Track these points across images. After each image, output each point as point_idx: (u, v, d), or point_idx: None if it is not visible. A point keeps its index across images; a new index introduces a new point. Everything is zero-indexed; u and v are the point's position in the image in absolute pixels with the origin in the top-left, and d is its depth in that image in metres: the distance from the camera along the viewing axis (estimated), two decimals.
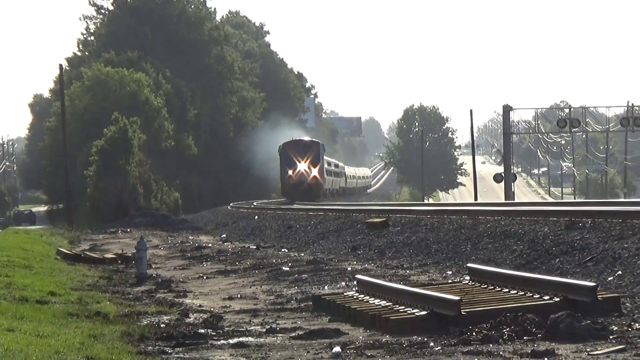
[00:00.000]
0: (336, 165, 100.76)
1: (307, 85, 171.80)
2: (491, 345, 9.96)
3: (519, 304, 13.29)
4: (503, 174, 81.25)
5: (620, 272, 16.73)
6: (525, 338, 10.55)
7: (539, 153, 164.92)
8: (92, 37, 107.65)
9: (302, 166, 78.57)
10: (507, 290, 14.93)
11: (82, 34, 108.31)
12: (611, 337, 10.35)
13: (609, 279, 16.50)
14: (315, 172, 79.71)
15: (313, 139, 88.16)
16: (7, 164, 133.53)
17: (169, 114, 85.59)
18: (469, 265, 17.62)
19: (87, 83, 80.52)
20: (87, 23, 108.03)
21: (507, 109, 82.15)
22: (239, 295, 19.25)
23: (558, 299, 13.07)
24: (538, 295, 13.81)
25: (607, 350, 9.11)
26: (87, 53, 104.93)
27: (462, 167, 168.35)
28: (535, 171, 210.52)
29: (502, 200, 70.29)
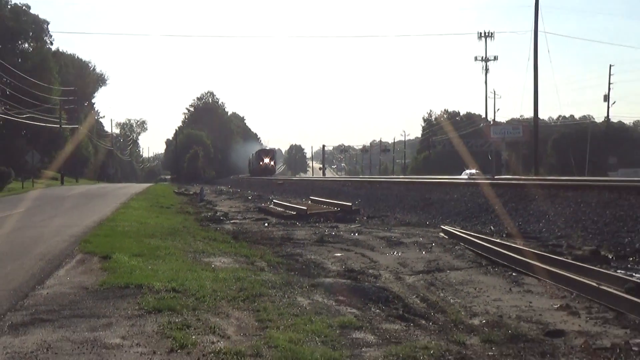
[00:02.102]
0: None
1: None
2: (317, 224, 25.44)
3: (327, 210, 29.72)
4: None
5: (360, 200, 36.33)
6: (328, 222, 26.11)
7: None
8: None
9: (267, 160, 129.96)
10: (324, 205, 33.01)
11: None
12: (356, 221, 26.31)
13: (356, 201, 36.89)
14: (272, 163, 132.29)
15: (272, 148, 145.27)
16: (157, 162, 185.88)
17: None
18: (311, 197, 39.54)
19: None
20: None
21: (323, 146, 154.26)
22: (233, 207, 39.99)
23: (339, 208, 30.05)
24: (333, 208, 30.95)
25: (354, 225, 24.49)
26: None
27: None
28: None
29: None
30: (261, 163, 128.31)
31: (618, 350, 7.37)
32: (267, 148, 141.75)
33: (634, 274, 12.80)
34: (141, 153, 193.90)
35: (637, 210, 19.36)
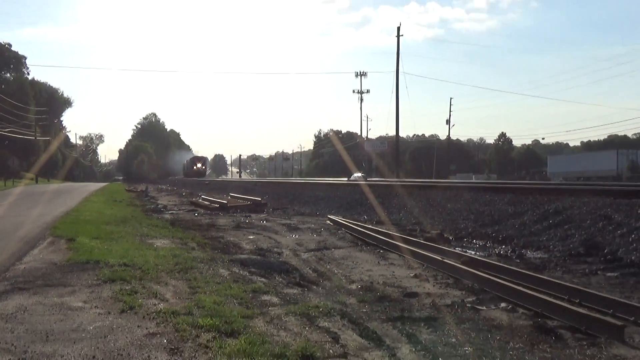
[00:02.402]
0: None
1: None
2: (235, 214, 25.39)
3: (243, 204, 29.38)
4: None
5: (267, 196, 36.06)
6: (243, 212, 26.04)
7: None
8: None
9: (199, 165, 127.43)
10: (240, 200, 32.06)
11: None
12: (264, 212, 26.48)
13: (265, 197, 36.36)
14: (203, 167, 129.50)
15: (203, 156, 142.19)
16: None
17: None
18: (230, 194, 38.57)
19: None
20: None
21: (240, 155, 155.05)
22: (171, 201, 38.90)
23: (251, 202, 29.55)
24: (247, 202, 30.39)
25: (263, 215, 24.76)
26: None
27: None
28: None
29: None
30: (194, 167, 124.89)
31: (456, 306, 7.71)
32: (199, 156, 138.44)
33: (467, 251, 13.30)
34: (99, 159, 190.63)
35: (470, 203, 20.24)
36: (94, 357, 5.13)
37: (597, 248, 12.57)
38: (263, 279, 9.38)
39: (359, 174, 62.35)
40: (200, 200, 35.54)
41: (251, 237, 16.38)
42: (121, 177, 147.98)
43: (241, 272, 9.95)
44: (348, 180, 35.55)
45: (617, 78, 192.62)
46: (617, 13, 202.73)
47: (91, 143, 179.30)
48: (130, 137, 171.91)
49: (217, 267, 10.14)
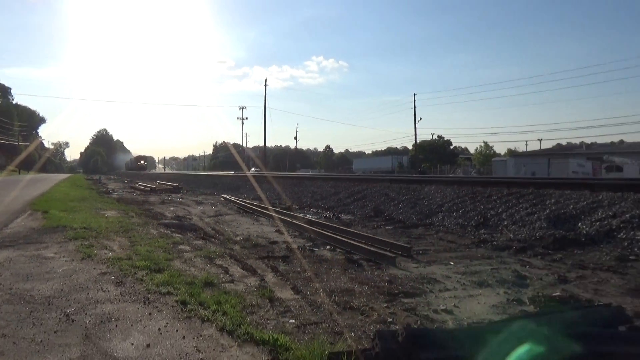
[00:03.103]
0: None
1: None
2: (161, 194, 23.92)
3: (167, 187, 27.40)
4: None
5: (182, 183, 33.58)
6: (167, 193, 24.63)
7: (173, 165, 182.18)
8: None
9: (142, 162, 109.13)
10: (165, 185, 29.63)
11: None
12: (181, 192, 25.52)
13: (181, 183, 33.78)
14: (145, 163, 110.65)
15: (145, 155, 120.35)
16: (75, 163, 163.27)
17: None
18: (158, 181, 34.41)
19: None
20: None
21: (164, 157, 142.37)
22: (117, 186, 34.77)
23: (172, 187, 27.58)
24: (170, 186, 28.38)
25: (180, 195, 24.25)
26: None
27: None
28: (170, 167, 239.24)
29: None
30: (139, 163, 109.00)
31: (301, 249, 7.76)
32: (142, 155, 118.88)
33: (307, 215, 13.50)
34: (66, 159, 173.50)
35: (308, 186, 20.55)
36: (62, 289, 4.71)
37: (381, 212, 13.12)
38: (180, 235, 9.00)
39: (255, 169, 61.05)
40: (138, 185, 33.23)
41: (172, 209, 15.67)
42: (81, 170, 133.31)
43: (165, 231, 9.50)
44: (246, 173, 34.82)
45: (394, 114, 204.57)
46: (395, 77, 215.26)
47: (60, 147, 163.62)
48: (88, 144, 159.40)
49: (149, 229, 9.61)
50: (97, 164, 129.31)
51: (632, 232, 7.59)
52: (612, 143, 71.04)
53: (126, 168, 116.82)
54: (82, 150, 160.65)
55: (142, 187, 30.70)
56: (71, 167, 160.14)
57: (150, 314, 4.02)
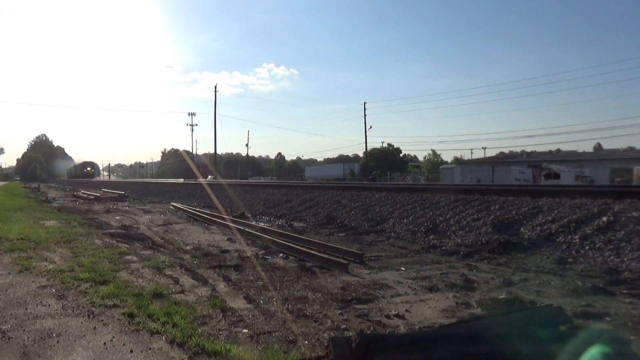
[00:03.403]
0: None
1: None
2: (106, 203, 22.89)
3: (112, 196, 26.35)
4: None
5: (129, 190, 32.50)
6: (112, 202, 23.81)
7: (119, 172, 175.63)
8: None
9: (89, 168, 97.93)
10: (110, 193, 28.52)
11: None
12: (127, 201, 24.71)
13: (127, 191, 32.51)
14: (92, 170, 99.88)
15: (92, 161, 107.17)
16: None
17: None
18: (103, 189, 32.47)
19: None
20: None
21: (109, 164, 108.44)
22: (58, 195, 33.49)
23: (117, 195, 26.75)
24: (115, 194, 27.39)
25: (126, 203, 23.48)
26: None
27: None
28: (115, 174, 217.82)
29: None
30: (85, 170, 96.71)
31: (253, 257, 7.66)
32: (88, 161, 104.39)
33: (260, 223, 13.36)
34: (0, 166, 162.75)
35: (260, 194, 20.39)
36: None
37: (333, 219, 13.17)
38: (126, 245, 8.67)
39: (211, 176, 59.32)
40: (81, 193, 31.73)
41: (117, 217, 15.09)
42: (18, 178, 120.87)
43: (110, 241, 9.13)
44: (199, 180, 33.58)
45: (344, 122, 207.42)
46: (345, 85, 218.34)
47: None
48: (25, 150, 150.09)
49: (93, 239, 9.21)
50: (36, 171, 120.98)
51: (569, 236, 8.03)
52: (550, 151, 75.03)
53: (68, 175, 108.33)
54: (19, 157, 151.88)
55: (85, 195, 29.35)
56: (6, 175, 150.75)
57: (94, 328, 3.84)
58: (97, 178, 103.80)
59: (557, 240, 8.05)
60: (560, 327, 3.34)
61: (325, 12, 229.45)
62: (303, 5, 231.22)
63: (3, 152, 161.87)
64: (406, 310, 4.69)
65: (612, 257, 6.95)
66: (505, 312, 3.87)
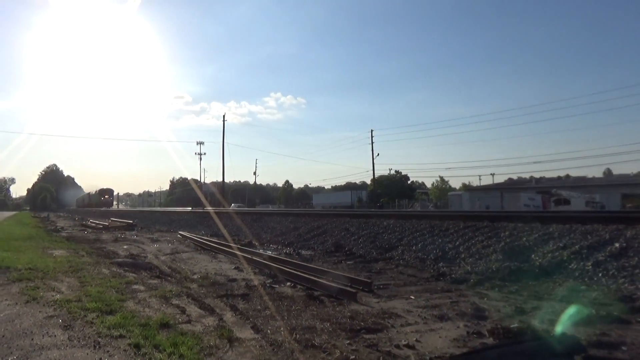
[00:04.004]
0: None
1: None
2: (114, 232, 23.04)
3: (120, 225, 26.40)
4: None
5: (137, 220, 32.88)
6: (121, 231, 24.06)
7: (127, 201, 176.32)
8: None
9: (107, 196, 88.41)
10: (118, 222, 28.66)
11: None
12: (135, 230, 25.00)
13: (135, 220, 32.69)
14: (110, 198, 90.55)
15: (109, 188, 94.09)
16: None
17: None
18: (111, 218, 33.06)
19: None
20: None
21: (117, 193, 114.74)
22: (67, 224, 33.67)
23: (126, 224, 26.77)
24: (123, 223, 27.62)
25: (134, 232, 23.60)
26: None
27: None
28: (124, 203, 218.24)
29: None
30: (103, 198, 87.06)
31: (261, 286, 7.60)
32: (106, 188, 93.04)
33: (267, 251, 13.30)
34: (11, 195, 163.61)
35: (267, 222, 20.37)
36: (3, 336, 4.40)
37: (341, 247, 13.10)
38: (134, 274, 8.65)
39: (235, 204, 58.69)
40: (89, 223, 31.88)
41: (125, 247, 15.10)
42: (29, 208, 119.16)
43: (118, 270, 9.11)
44: (208, 209, 33.42)
45: (351, 150, 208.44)
46: (352, 113, 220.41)
47: (5, 183, 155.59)
48: (36, 180, 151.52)
49: (101, 268, 9.20)
50: (46, 201, 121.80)
51: (582, 263, 7.90)
52: (559, 177, 74.59)
53: (77, 205, 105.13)
54: (30, 186, 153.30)
55: (94, 224, 29.48)
56: (17, 205, 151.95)
57: (100, 359, 3.80)
58: (114, 206, 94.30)
59: (569, 267, 7.92)
60: (575, 357, 3.26)
61: (331, 41, 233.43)
62: (308, 36, 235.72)
63: (14, 182, 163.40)
64: (416, 340, 4.60)
65: (626, 285, 6.82)
66: (518, 342, 3.79)
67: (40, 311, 5.38)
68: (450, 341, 4.58)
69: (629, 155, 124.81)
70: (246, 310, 5.81)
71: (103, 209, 64.18)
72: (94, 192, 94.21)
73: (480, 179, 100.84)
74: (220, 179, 69.27)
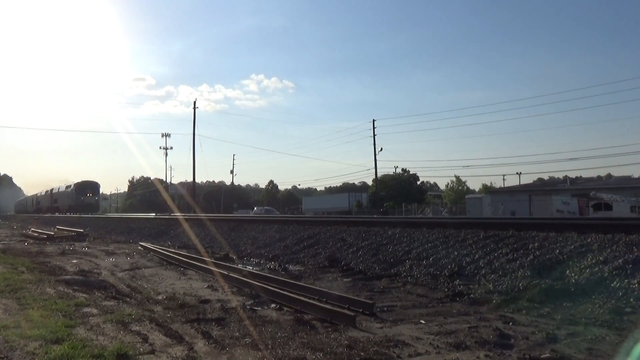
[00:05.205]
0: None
1: None
2: (61, 243, 22.75)
3: (68, 234, 26.29)
4: None
5: (89, 228, 32.76)
6: (69, 242, 23.71)
7: None
8: None
9: (89, 194, 66.71)
10: (66, 231, 28.45)
11: None
12: (86, 240, 24.88)
13: (87, 228, 32.89)
14: (96, 198, 69.42)
15: (93, 181, 71.89)
16: None
17: None
18: (57, 226, 32.79)
19: None
20: None
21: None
22: (2, 233, 31.76)
23: (75, 233, 26.62)
24: (72, 232, 27.41)
25: (85, 243, 23.48)
26: None
27: None
28: None
29: None
30: (85, 195, 65.13)
31: (239, 308, 7.61)
32: (89, 180, 69.84)
33: (247, 266, 13.28)
34: None
35: (248, 230, 20.36)
36: None
37: (337, 261, 13.09)
38: (85, 295, 8.61)
39: (257, 208, 56.91)
40: (30, 232, 31.54)
41: (74, 261, 15.01)
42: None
43: (66, 290, 9.06)
44: (176, 215, 32.83)
45: (349, 144, 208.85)
46: (350, 100, 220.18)
47: None
48: None
49: (44, 287, 9.15)
50: None
51: (626, 280, 7.97)
52: (598, 177, 75.34)
53: (16, 209, 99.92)
54: None
55: (36, 234, 29.22)
56: None
57: None
58: (49, 214, 69.50)
59: (612, 285, 7.98)
60: None
61: (326, 13, 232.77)
62: (300, 6, 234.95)
63: None
64: None
65: None
66: None
67: None
68: None
69: None
70: (222, 338, 5.80)
71: (89, 215, 52.88)
72: (73, 186, 68.10)
73: (504, 179, 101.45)
74: (190, 179, 69.13)
